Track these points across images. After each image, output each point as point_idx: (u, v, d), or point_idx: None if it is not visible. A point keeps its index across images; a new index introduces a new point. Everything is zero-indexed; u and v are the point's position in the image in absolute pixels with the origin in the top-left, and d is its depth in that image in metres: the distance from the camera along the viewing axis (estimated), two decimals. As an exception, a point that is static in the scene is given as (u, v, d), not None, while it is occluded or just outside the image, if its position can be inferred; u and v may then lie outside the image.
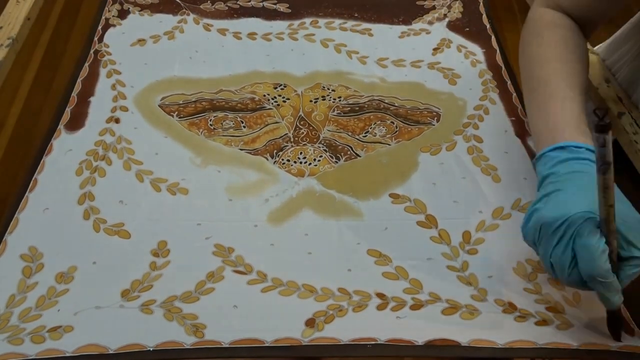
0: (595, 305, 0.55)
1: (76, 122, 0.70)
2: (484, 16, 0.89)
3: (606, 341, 0.52)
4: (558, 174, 0.51)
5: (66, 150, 0.67)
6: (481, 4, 0.91)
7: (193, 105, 0.74)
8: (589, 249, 0.45)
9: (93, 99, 0.74)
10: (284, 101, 0.75)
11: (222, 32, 0.85)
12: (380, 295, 0.56)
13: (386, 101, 0.75)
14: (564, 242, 0.47)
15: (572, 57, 0.61)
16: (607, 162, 0.41)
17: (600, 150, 0.41)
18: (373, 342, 0.52)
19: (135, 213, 0.62)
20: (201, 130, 0.71)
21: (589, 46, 0.79)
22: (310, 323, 0.53)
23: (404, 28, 0.87)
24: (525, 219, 0.51)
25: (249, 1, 0.90)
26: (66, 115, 0.71)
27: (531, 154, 0.69)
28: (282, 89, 0.77)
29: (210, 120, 0.72)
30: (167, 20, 0.86)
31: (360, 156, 0.69)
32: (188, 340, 0.51)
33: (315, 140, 0.70)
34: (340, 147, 0.70)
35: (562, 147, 0.51)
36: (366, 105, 0.75)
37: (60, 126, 0.70)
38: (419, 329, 0.53)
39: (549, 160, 0.52)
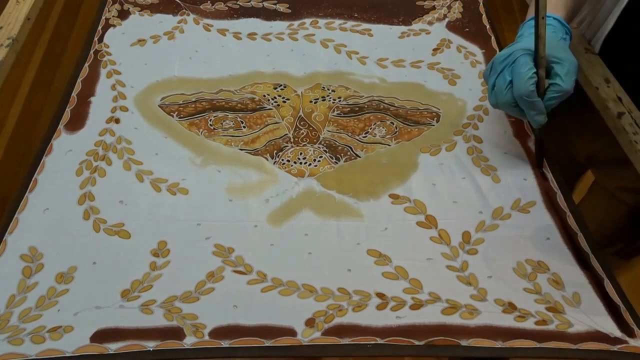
0: (595, 305, 0.55)
1: (76, 123, 0.70)
2: (484, 16, 0.89)
3: (606, 341, 0.52)
4: (524, 27, 0.67)
5: (66, 150, 0.67)
6: (481, 4, 0.91)
7: (193, 106, 0.74)
8: (519, 75, 0.60)
9: (93, 99, 0.74)
10: (284, 101, 0.75)
11: (222, 32, 0.85)
12: (380, 295, 0.56)
13: (386, 101, 0.76)
14: (505, 71, 0.62)
15: None
16: None
17: None
18: (373, 342, 0.52)
19: (135, 213, 0.62)
20: (201, 130, 0.71)
21: (588, 46, 0.79)
22: (310, 323, 0.53)
23: (403, 28, 0.87)
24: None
25: (249, 1, 0.90)
26: (66, 116, 0.71)
27: (531, 155, 0.69)
28: (282, 89, 0.77)
29: (210, 120, 0.72)
30: (167, 21, 0.86)
31: (360, 157, 0.69)
32: (188, 340, 0.51)
33: (315, 140, 0.71)
34: (340, 147, 0.70)
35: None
36: (366, 106, 0.75)
37: (61, 126, 0.70)
38: (419, 328, 0.53)
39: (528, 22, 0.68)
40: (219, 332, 0.52)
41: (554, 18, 0.67)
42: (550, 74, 0.61)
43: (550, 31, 0.64)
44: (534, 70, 0.60)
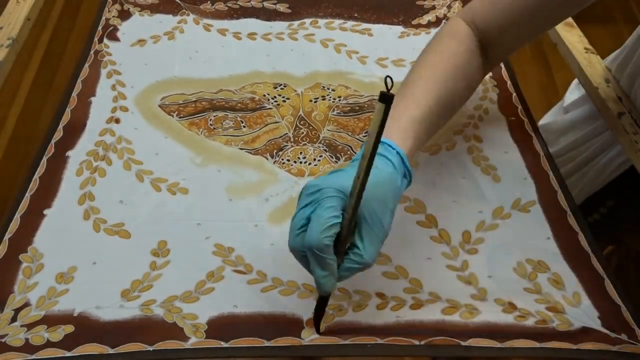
0: (595, 305, 0.55)
1: (76, 123, 0.70)
2: (484, 16, 0.89)
3: (607, 341, 0.52)
4: (355, 159, 0.51)
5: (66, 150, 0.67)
6: (481, 3, 0.91)
7: (193, 105, 0.74)
8: (319, 219, 0.44)
9: (93, 99, 0.73)
10: (284, 101, 0.75)
11: (222, 32, 0.85)
12: (380, 295, 0.56)
13: (386, 101, 0.75)
14: (308, 207, 0.46)
15: (449, 70, 0.59)
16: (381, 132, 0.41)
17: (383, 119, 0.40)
18: (373, 342, 0.52)
19: (135, 213, 0.62)
20: (201, 130, 0.71)
21: (588, 46, 0.79)
22: (310, 323, 0.53)
23: (403, 28, 0.87)
24: None
25: (249, 1, 0.90)
26: (66, 116, 0.71)
27: (531, 154, 0.69)
28: (282, 88, 0.77)
29: (210, 120, 0.72)
30: (167, 21, 0.86)
31: (360, 156, 0.69)
32: (188, 340, 0.51)
33: (315, 140, 0.70)
34: (340, 147, 0.70)
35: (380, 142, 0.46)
36: (366, 105, 0.75)
37: (61, 126, 0.70)
38: (419, 328, 0.53)
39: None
40: (219, 332, 0.52)
41: (397, 152, 0.50)
42: (355, 234, 0.46)
43: (386, 172, 0.48)
44: (339, 220, 0.45)
